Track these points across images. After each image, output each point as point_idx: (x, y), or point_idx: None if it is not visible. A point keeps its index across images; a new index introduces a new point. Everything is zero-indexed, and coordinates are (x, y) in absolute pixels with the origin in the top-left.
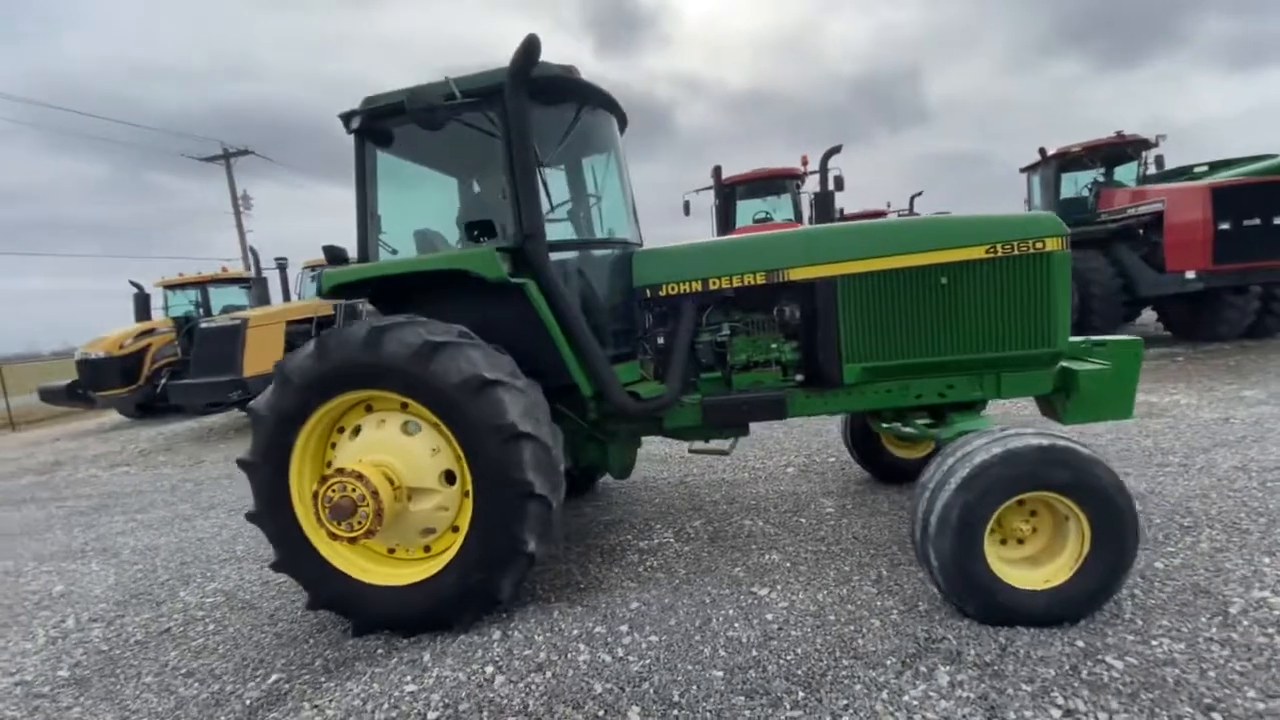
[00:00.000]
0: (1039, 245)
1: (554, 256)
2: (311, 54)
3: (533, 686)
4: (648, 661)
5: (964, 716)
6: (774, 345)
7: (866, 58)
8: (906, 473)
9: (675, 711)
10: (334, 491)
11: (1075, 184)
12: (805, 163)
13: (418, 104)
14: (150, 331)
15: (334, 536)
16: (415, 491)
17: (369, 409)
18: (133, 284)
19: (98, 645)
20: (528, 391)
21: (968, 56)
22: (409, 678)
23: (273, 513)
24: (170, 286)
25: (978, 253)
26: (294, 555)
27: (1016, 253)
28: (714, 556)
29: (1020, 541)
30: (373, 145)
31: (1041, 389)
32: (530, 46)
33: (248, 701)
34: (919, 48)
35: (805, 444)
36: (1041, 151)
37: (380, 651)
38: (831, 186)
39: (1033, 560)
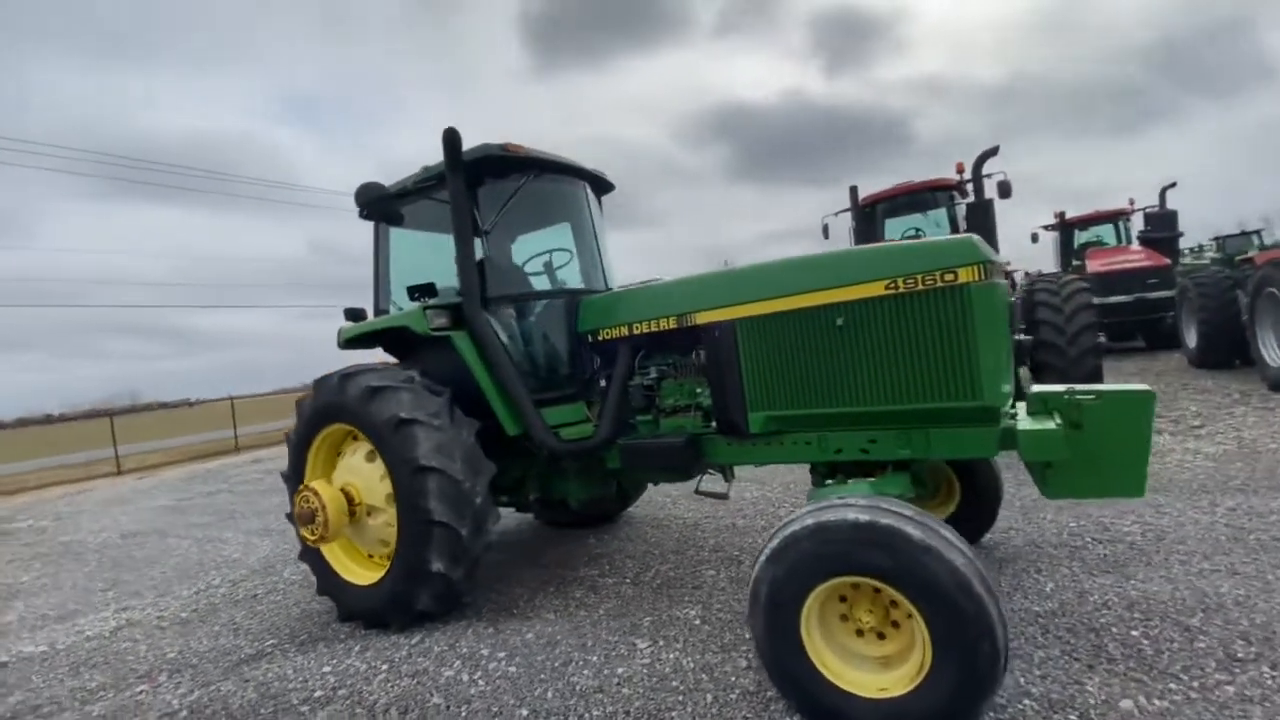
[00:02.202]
0: (949, 277)
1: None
2: (564, 122)
3: (395, 688)
4: (488, 689)
5: None
6: (697, 390)
7: (1159, 22)
8: None
9: None
10: (302, 503)
11: None
12: (960, 170)
13: (365, 197)
14: None
15: (302, 539)
16: (372, 509)
17: (355, 438)
18: None
19: (214, 599)
20: (445, 430)
21: None
22: (328, 662)
23: None
24: None
25: (876, 289)
26: (309, 551)
27: (922, 287)
28: (641, 601)
29: (881, 636)
30: (383, 223)
31: (983, 450)
32: (448, 140)
33: (244, 654)
34: None
35: None
36: None
37: (341, 638)
38: (993, 194)
39: (886, 662)
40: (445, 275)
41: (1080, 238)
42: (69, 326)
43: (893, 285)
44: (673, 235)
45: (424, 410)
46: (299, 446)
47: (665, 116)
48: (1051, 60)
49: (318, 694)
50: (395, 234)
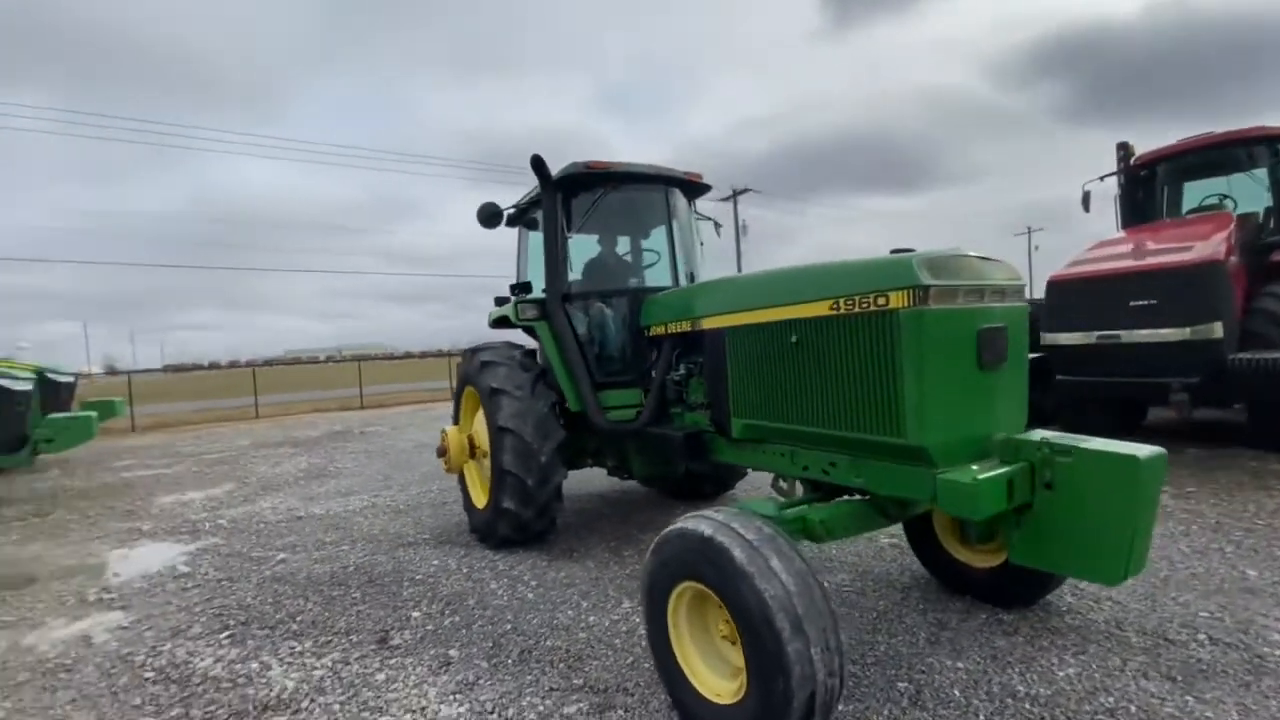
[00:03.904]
0: (881, 301)
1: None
2: (866, 77)
3: (456, 585)
4: (505, 603)
5: None
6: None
7: None
8: (970, 582)
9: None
10: (441, 441)
11: None
12: None
13: (481, 215)
14: None
15: (446, 467)
16: (485, 453)
17: None
18: None
19: (423, 500)
20: (524, 400)
21: None
22: (438, 558)
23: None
24: None
25: (823, 309)
26: (460, 478)
27: (858, 310)
28: (609, 570)
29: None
30: (523, 228)
31: (915, 492)
32: (535, 164)
33: (406, 540)
34: None
35: None
36: None
37: (462, 543)
38: None
39: (736, 670)
40: (576, 269)
41: None
42: (460, 287)
43: (835, 306)
44: (982, 194)
45: (512, 383)
46: (455, 399)
47: (979, 56)
48: None
49: (417, 576)
50: (534, 236)
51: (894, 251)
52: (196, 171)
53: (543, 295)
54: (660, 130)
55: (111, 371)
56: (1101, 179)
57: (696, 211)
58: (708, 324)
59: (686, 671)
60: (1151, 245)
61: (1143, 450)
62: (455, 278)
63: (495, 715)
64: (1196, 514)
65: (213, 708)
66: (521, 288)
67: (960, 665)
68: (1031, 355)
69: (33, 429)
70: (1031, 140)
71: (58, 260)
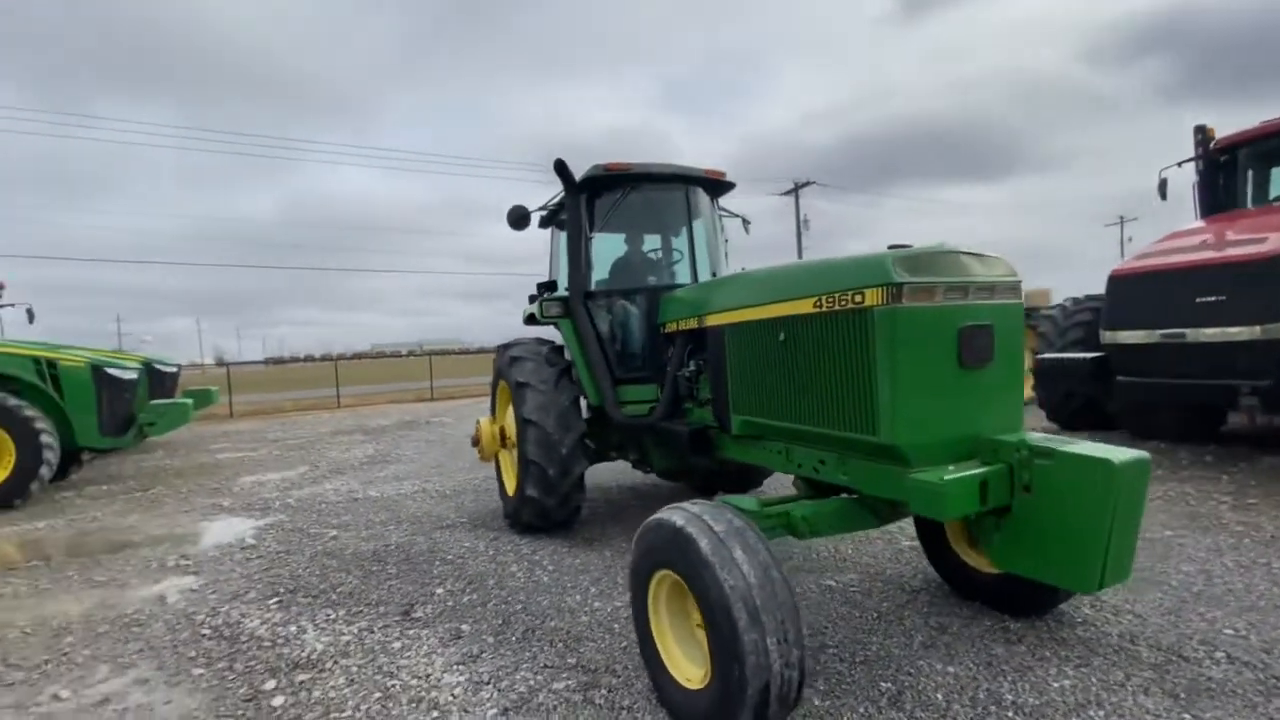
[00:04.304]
0: (858, 299)
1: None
2: (940, 62)
3: (481, 566)
4: (521, 585)
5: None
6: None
7: None
8: (979, 588)
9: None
10: (475, 431)
11: None
12: None
13: (511, 217)
14: None
15: (480, 455)
16: (515, 443)
17: None
18: None
19: (468, 485)
20: (548, 394)
21: None
22: (470, 540)
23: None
24: None
25: (807, 306)
26: (496, 464)
27: (838, 308)
28: (623, 559)
29: None
30: (554, 228)
31: (893, 492)
32: (558, 168)
33: (446, 523)
34: None
35: None
36: None
37: (494, 527)
38: None
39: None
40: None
41: None
42: (527, 285)
43: (819, 303)
44: (1070, 182)
45: (537, 377)
46: (492, 391)
47: (1072, 34)
48: None
49: (448, 556)
50: (564, 236)
51: (891, 248)
52: (296, 180)
53: (566, 294)
54: (726, 125)
55: (220, 363)
56: (1179, 165)
57: (723, 209)
58: (710, 321)
59: (663, 656)
60: (1226, 236)
61: (1120, 454)
62: (522, 276)
63: (490, 685)
64: (1253, 526)
65: (253, 663)
66: (547, 286)
67: (950, 670)
68: (1091, 355)
69: (137, 414)
70: (1127, 123)
71: (174, 262)
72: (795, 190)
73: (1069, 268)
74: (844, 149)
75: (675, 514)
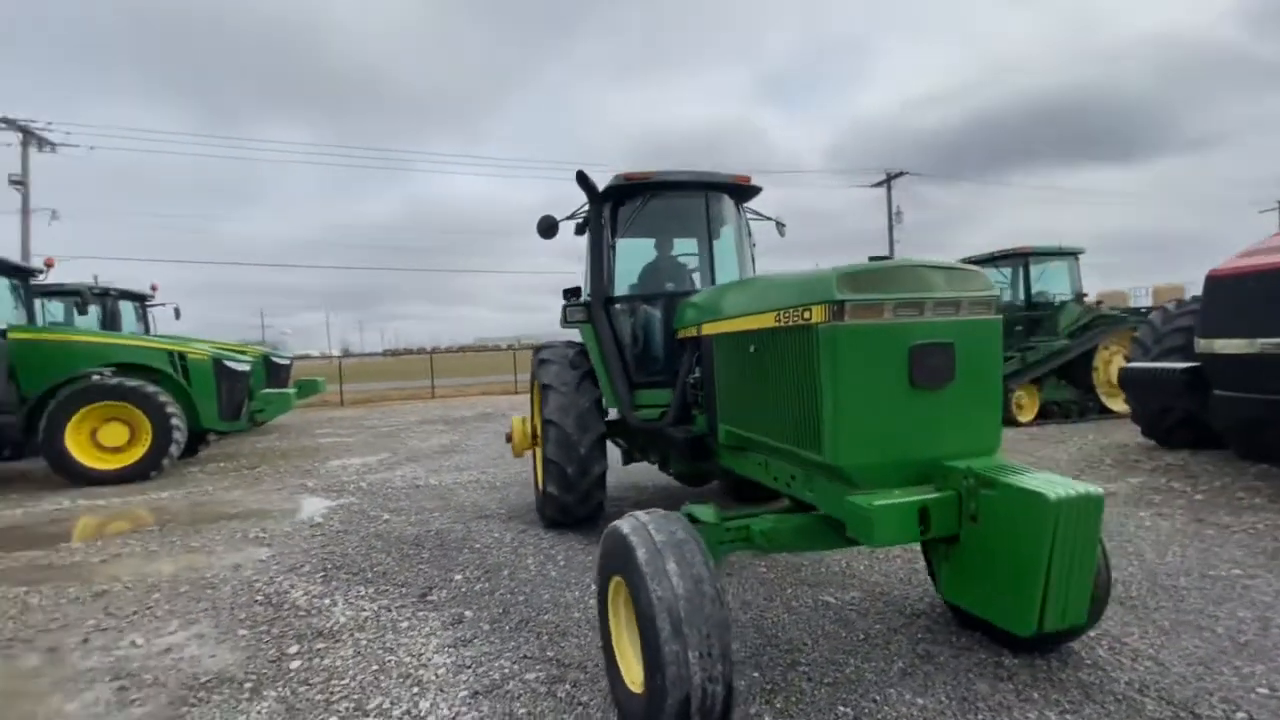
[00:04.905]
0: (806, 315)
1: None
2: (1068, 34)
3: (501, 557)
4: (532, 577)
5: None
6: None
7: None
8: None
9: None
10: (509, 428)
11: None
12: None
13: (540, 226)
14: None
15: (514, 451)
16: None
17: None
18: None
19: (516, 479)
20: (569, 395)
21: None
22: (499, 531)
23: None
24: None
25: (770, 320)
26: (533, 460)
27: (791, 324)
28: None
29: None
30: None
31: (839, 512)
32: (579, 179)
33: (485, 513)
34: None
35: None
36: None
37: (525, 519)
38: None
39: None
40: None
41: None
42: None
43: (779, 318)
44: (1224, 163)
45: (560, 380)
46: (530, 390)
47: None
48: None
49: (476, 545)
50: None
51: (872, 259)
52: (412, 187)
53: (589, 300)
54: (825, 114)
55: (346, 354)
56: None
57: (754, 212)
58: (705, 329)
59: (618, 657)
60: None
61: (1063, 488)
62: None
63: (470, 669)
64: None
65: (286, 629)
66: (574, 292)
67: (919, 702)
68: (1183, 365)
69: (250, 400)
70: None
71: (306, 265)
72: (888, 181)
73: (1217, 260)
74: (958, 133)
75: (625, 522)
